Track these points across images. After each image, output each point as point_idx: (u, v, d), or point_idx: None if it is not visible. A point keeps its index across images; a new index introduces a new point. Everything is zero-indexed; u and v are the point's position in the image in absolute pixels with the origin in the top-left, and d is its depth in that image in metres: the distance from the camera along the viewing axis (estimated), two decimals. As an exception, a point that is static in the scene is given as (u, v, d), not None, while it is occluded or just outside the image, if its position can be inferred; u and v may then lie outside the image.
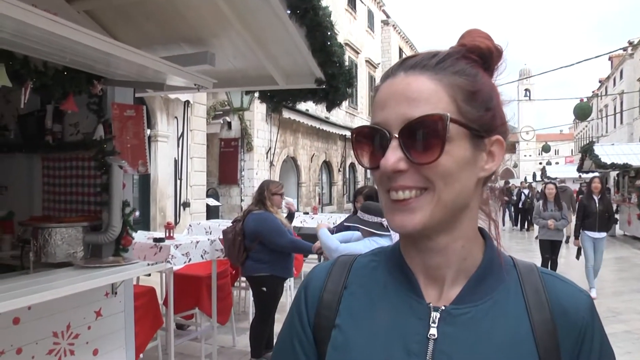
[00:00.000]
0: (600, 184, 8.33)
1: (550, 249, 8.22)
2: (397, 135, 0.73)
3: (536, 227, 8.82)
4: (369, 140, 0.77)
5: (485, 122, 0.76)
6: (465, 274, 0.80)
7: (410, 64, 0.77)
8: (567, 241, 11.77)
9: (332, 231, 4.09)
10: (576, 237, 8.38)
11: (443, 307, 0.78)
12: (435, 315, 0.77)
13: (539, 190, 26.35)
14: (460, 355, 0.75)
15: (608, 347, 0.80)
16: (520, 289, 0.80)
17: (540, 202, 8.37)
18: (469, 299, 0.78)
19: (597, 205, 8.10)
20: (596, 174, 14.22)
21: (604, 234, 8.21)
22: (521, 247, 14.74)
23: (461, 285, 0.80)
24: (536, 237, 9.63)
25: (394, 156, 0.72)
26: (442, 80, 0.74)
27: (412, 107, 0.72)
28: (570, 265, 10.11)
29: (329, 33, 3.34)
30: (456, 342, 0.75)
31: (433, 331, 0.76)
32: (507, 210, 20.96)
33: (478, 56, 0.79)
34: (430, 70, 0.75)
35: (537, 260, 12.18)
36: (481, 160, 0.77)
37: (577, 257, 8.46)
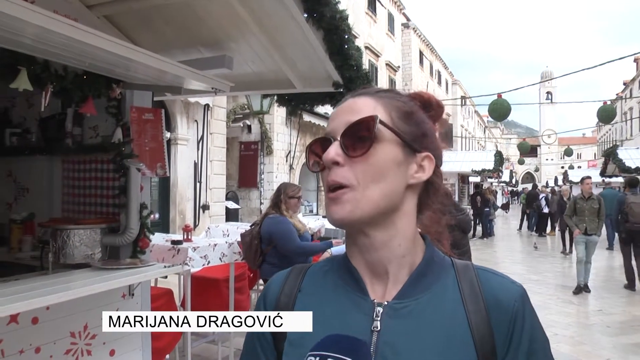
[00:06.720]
0: None
1: None
2: (339, 138, 0.87)
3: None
4: (319, 149, 0.91)
5: (417, 137, 0.90)
6: (407, 271, 0.90)
7: (357, 92, 0.94)
8: None
9: None
10: None
11: (386, 303, 0.87)
12: (379, 310, 0.87)
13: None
14: (403, 344, 0.83)
15: (539, 330, 0.88)
16: (457, 284, 0.89)
17: None
18: (410, 293, 0.88)
19: None
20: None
21: None
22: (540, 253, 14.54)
23: (403, 282, 0.89)
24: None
25: (333, 150, 0.86)
26: (380, 99, 0.91)
27: (354, 115, 0.87)
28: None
29: (346, 36, 3.32)
30: (398, 333, 0.84)
31: (376, 324, 0.85)
32: (533, 217, 20.64)
33: (419, 101, 0.97)
34: (372, 95, 0.92)
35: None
36: (412, 169, 0.89)
37: None
